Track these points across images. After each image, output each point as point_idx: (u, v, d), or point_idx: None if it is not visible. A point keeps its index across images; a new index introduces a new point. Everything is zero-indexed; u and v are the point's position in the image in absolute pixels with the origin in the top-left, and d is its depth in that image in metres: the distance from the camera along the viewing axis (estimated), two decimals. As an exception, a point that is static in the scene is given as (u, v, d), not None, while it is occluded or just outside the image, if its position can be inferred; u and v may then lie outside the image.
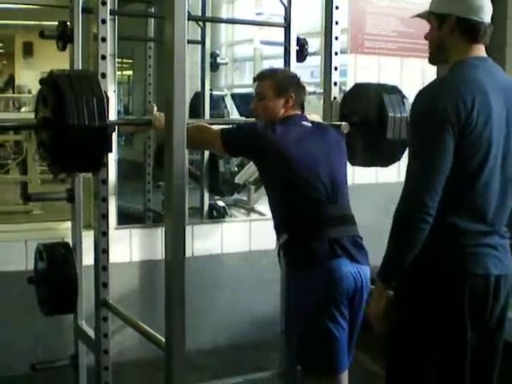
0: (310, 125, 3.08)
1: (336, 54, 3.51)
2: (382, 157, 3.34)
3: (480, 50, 2.40)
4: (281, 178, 2.96)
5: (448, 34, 2.39)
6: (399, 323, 2.41)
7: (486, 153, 2.28)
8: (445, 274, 2.32)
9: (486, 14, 2.38)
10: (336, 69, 3.50)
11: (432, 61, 2.54)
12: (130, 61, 7.11)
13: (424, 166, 2.26)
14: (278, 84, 3.07)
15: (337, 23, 3.50)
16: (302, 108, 3.16)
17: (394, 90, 3.35)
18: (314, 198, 2.92)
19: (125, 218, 4.56)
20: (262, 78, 3.16)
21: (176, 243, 2.38)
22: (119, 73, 6.74)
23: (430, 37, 2.48)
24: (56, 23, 3.30)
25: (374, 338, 2.61)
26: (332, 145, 3.08)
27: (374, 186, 4.92)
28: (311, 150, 2.96)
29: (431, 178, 2.24)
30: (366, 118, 3.27)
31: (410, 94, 3.42)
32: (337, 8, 3.50)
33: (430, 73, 3.47)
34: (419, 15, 2.54)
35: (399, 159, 3.33)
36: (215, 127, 3.10)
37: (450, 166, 2.24)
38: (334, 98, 3.47)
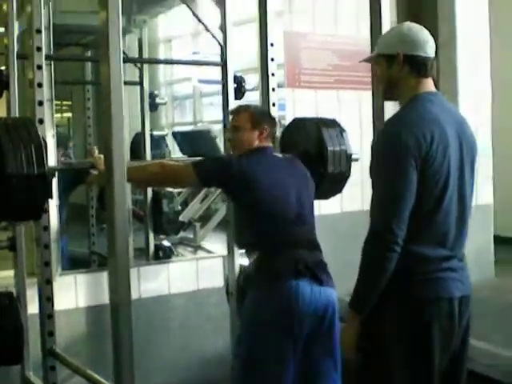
0: (280, 156, 3.19)
1: (273, 90, 3.56)
2: (323, 190, 3.37)
3: (430, 85, 2.51)
4: (252, 201, 3.01)
5: (397, 72, 2.48)
6: (368, 351, 2.44)
7: (445, 182, 2.38)
8: (411, 300, 2.38)
9: (431, 48, 2.49)
10: (274, 105, 3.54)
11: (385, 97, 2.65)
12: (69, 103, 7.07)
13: (391, 199, 2.33)
14: (253, 117, 3.14)
15: (272, 60, 3.56)
16: (273, 140, 3.24)
17: (333, 124, 3.39)
18: (282, 219, 3.00)
19: (70, 263, 4.50)
20: (238, 111, 3.23)
21: (120, 286, 2.35)
22: (58, 115, 6.70)
23: (380, 77, 2.57)
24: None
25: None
26: (301, 175, 3.16)
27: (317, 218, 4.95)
28: (282, 178, 3.04)
29: (398, 210, 2.31)
30: (305, 153, 3.30)
31: (348, 126, 3.51)
32: (272, 45, 3.56)
33: (366, 104, 3.53)
34: (367, 60, 2.65)
35: (340, 191, 3.39)
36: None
37: (414, 196, 2.32)
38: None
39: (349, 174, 3.36)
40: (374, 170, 2.43)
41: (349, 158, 3.33)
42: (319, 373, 3.01)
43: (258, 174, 2.98)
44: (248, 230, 3.12)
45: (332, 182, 3.34)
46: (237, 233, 3.25)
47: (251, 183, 2.97)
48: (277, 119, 3.52)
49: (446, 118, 2.43)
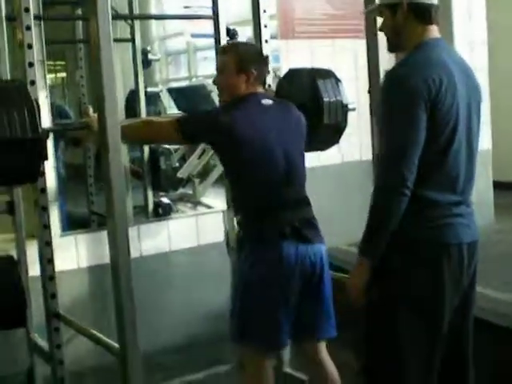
0: (269, 103, 3.02)
1: (266, 41, 3.52)
2: (319, 141, 3.35)
3: (435, 31, 2.52)
4: (235, 161, 2.96)
5: (402, 20, 2.49)
6: (379, 296, 2.47)
7: (454, 126, 2.39)
8: (422, 245, 2.41)
9: None
10: (267, 57, 3.49)
11: (390, 48, 2.63)
12: (63, 63, 7.01)
13: (400, 141, 2.34)
14: (239, 59, 3.01)
15: (265, 11, 3.50)
16: (264, 84, 3.14)
17: (329, 75, 3.35)
18: (267, 181, 2.94)
19: (70, 223, 4.50)
20: (224, 51, 3.12)
21: (120, 244, 2.36)
22: (52, 75, 6.64)
23: (384, 28, 2.58)
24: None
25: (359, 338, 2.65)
26: (291, 123, 3.06)
27: (318, 169, 4.94)
28: (267, 132, 2.94)
29: (408, 151, 2.32)
30: (301, 104, 3.26)
31: (344, 76, 3.48)
32: (263, -4, 3.50)
33: (361, 53, 3.50)
34: (370, 11, 2.64)
35: (337, 142, 3.37)
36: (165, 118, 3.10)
37: (423, 139, 2.34)
38: (269, 85, 3.46)
39: (345, 125, 3.33)
40: (382, 117, 2.44)
41: (345, 109, 3.30)
42: (313, 325, 3.04)
43: (241, 132, 2.88)
44: (233, 190, 3.09)
45: (328, 133, 3.31)
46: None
47: (234, 141, 2.88)
48: (270, 66, 3.48)
49: (453, 63, 2.44)
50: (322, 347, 3.12)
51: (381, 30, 2.62)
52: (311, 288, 2.97)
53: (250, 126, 2.92)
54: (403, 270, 2.43)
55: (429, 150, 2.35)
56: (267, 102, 3.03)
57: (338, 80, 3.32)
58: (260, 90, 3.06)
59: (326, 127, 3.26)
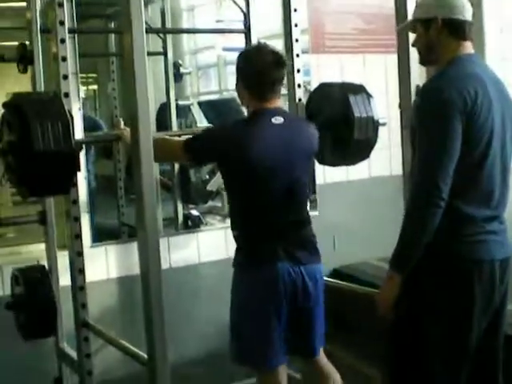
0: (280, 121, 2.92)
1: (298, 55, 3.54)
2: (349, 156, 3.35)
3: (469, 47, 2.54)
4: (236, 181, 2.97)
5: (436, 35, 2.51)
6: (407, 312, 2.47)
7: (489, 140, 2.39)
8: (454, 261, 2.41)
9: (468, 12, 2.52)
10: (299, 71, 3.52)
11: (422, 62, 2.67)
12: (95, 75, 7.07)
13: (436, 152, 2.34)
14: (239, 74, 2.98)
15: (296, 25, 3.53)
16: (278, 96, 2.99)
17: (360, 90, 3.35)
18: (265, 204, 2.93)
19: (100, 235, 4.53)
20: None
21: (150, 255, 2.37)
22: (84, 88, 6.71)
23: (417, 43, 2.60)
24: (16, 43, 3.27)
25: (363, 342, 2.63)
26: (299, 142, 2.98)
27: (345, 184, 4.93)
28: (270, 153, 2.87)
29: (444, 163, 2.32)
30: (332, 119, 3.27)
31: (375, 90, 3.47)
32: (295, 10, 3.53)
33: (392, 68, 3.49)
34: (404, 27, 2.66)
35: (367, 157, 3.36)
36: (177, 138, 3.10)
37: (459, 150, 2.33)
38: (299, 99, 3.48)
39: (375, 140, 3.33)
40: (418, 129, 2.43)
41: (375, 125, 3.30)
42: (306, 346, 3.08)
43: (243, 153, 2.83)
44: (232, 207, 3.08)
45: (358, 149, 3.31)
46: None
47: (239, 160, 2.86)
48: (301, 80, 3.49)
49: (486, 77, 2.45)
50: (324, 359, 3.14)
51: (413, 45, 2.64)
52: (304, 310, 2.99)
53: (253, 143, 2.86)
54: (433, 285, 2.42)
55: (464, 163, 2.35)
56: (278, 119, 2.93)
57: (369, 95, 3.32)
58: (273, 105, 2.96)
59: (356, 142, 3.26)
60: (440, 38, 2.50)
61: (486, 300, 2.43)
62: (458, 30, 2.50)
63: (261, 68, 2.90)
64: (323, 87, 3.49)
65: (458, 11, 2.49)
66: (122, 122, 3.10)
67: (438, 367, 2.43)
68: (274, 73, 2.90)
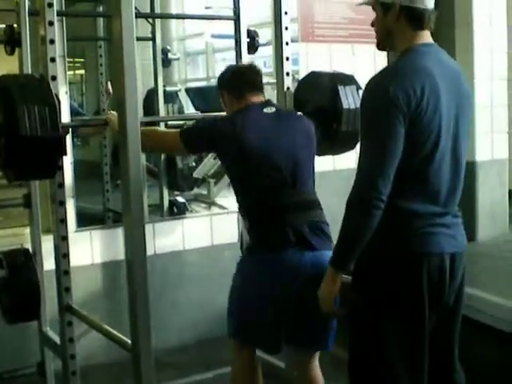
0: (272, 111, 3.04)
1: (287, 44, 3.50)
2: (336, 147, 3.34)
3: (427, 37, 2.42)
4: (237, 166, 2.98)
5: (393, 21, 2.40)
6: (359, 305, 2.43)
7: (436, 138, 2.31)
8: (402, 255, 2.35)
9: (430, 1, 2.40)
10: (288, 59, 3.49)
11: (380, 47, 2.54)
12: (82, 60, 7.04)
13: (376, 152, 2.27)
14: (221, 86, 3.16)
15: (286, 13, 3.50)
16: (261, 92, 3.13)
17: (349, 81, 3.33)
18: (268, 185, 2.93)
19: (84, 220, 4.52)
20: None
21: (136, 242, 2.36)
22: (71, 72, 6.67)
23: (376, 25, 2.49)
24: (4, 25, 3.25)
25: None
26: (295, 130, 3.04)
27: (332, 173, 4.94)
28: (267, 136, 2.93)
29: (383, 164, 2.25)
30: (320, 109, 3.26)
31: (363, 80, 3.46)
32: (285, -2, 3.50)
33: (381, 58, 3.49)
34: (365, 3, 2.54)
35: (353, 148, 3.34)
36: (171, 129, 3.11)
37: (400, 151, 2.26)
38: (288, 88, 3.47)
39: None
40: (360, 127, 2.37)
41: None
42: (307, 336, 3.03)
43: (245, 138, 2.90)
44: (238, 196, 3.08)
45: (345, 140, 3.29)
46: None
47: (239, 147, 2.90)
48: (290, 74, 3.48)
49: (440, 70, 2.35)
50: (315, 362, 3.11)
51: (372, 25, 2.51)
52: (311, 297, 2.97)
53: (253, 132, 2.92)
54: (384, 277, 2.37)
55: (410, 161, 2.28)
56: (270, 109, 3.05)
57: (359, 87, 3.29)
58: (259, 99, 3.08)
59: (343, 134, 3.25)
60: (396, 25, 2.39)
61: (436, 293, 2.37)
62: (416, 19, 2.37)
63: (237, 70, 3.20)
64: (312, 76, 3.47)
65: None
66: (111, 88, 3.10)
67: (396, 358, 2.38)
68: (251, 75, 3.12)
